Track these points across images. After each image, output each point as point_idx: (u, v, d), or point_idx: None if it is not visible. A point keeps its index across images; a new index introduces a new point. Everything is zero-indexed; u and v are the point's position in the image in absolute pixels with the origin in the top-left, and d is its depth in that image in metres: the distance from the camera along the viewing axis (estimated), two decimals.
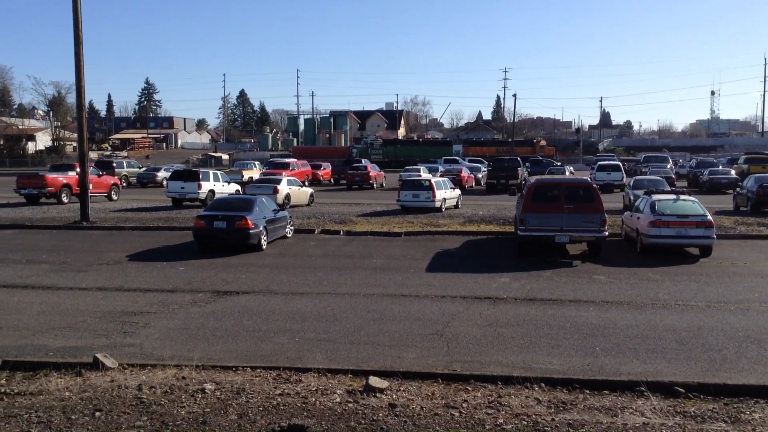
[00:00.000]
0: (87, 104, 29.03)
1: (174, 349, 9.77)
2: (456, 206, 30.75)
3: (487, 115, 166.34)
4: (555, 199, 17.80)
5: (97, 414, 6.53)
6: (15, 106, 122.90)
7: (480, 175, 49.46)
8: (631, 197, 26.21)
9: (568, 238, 17.55)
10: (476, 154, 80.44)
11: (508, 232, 22.26)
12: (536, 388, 7.99)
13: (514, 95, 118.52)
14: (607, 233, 17.89)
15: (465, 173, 45.08)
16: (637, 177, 33.22)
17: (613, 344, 10.05)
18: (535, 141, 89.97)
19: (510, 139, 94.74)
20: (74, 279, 15.22)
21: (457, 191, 31.97)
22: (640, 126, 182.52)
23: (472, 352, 9.66)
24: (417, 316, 11.76)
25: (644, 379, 8.18)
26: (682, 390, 7.92)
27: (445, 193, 29.68)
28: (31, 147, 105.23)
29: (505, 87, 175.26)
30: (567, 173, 47.29)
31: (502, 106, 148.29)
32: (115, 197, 35.57)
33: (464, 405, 7.10)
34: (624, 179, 41.21)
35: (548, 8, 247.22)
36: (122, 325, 11.15)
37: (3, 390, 7.37)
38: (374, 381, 7.74)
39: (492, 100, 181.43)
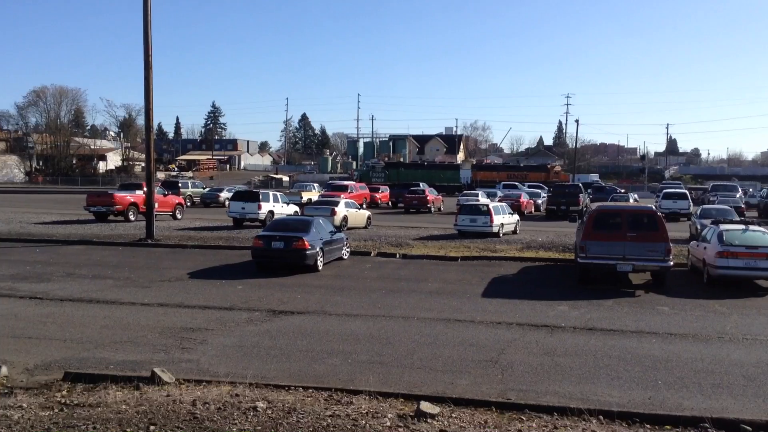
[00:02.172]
0: (156, 126, 30.04)
1: (229, 366, 9.88)
2: (514, 232, 30.35)
3: (549, 141, 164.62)
4: (618, 226, 17.36)
5: (152, 428, 6.64)
6: (88, 127, 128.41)
7: (540, 201, 48.74)
8: (698, 226, 25.36)
9: (630, 267, 17.05)
10: (486, 179, 76.79)
11: (567, 260, 21.80)
12: (594, 421, 7.72)
13: (577, 121, 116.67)
14: (672, 263, 17.30)
15: (524, 198, 44.55)
16: (705, 206, 32.18)
17: (676, 378, 9.65)
18: (549, 166, 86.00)
19: (523, 165, 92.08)
20: (137, 295, 15.64)
21: (516, 217, 31.58)
22: (709, 154, 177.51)
23: (527, 380, 9.44)
24: (471, 341, 11.59)
25: (708, 416, 7.80)
26: (749, 428, 7.53)
27: (503, 219, 29.34)
28: (102, 166, 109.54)
29: (567, 112, 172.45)
30: (631, 200, 46.08)
31: (564, 131, 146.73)
32: (179, 216, 36.53)
33: None
34: (691, 208, 39.94)
35: (613, 33, 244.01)
36: (181, 340, 11.37)
37: (63, 401, 7.58)
38: (425, 406, 7.63)
39: (554, 125, 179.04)
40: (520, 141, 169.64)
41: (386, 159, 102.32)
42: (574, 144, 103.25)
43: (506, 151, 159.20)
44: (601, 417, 7.84)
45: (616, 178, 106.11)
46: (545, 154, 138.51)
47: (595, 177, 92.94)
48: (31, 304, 14.37)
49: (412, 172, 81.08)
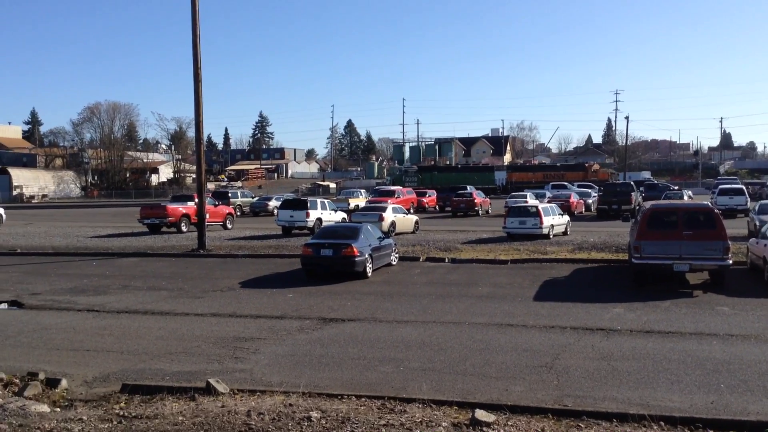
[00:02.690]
0: (205, 138, 30.62)
1: (282, 375, 9.93)
2: (564, 233, 29.85)
3: (597, 139, 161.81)
4: (673, 225, 16.87)
5: None
6: (140, 141, 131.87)
7: (590, 201, 47.87)
8: (757, 223, 24.46)
9: (687, 267, 16.54)
10: (521, 180, 75.47)
11: (621, 260, 21.30)
12: (655, 427, 7.49)
13: (627, 117, 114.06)
14: (731, 261, 16.70)
15: (574, 199, 43.82)
16: (763, 201, 30.98)
17: (739, 381, 9.29)
18: (587, 165, 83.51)
19: (560, 165, 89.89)
20: (190, 305, 15.90)
21: (566, 217, 31.05)
22: (765, 147, 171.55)
23: (584, 386, 9.21)
24: (525, 347, 11.39)
25: None
26: None
27: (553, 220, 28.89)
28: (154, 179, 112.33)
29: (616, 109, 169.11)
30: (685, 198, 44.93)
31: (614, 128, 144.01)
32: (229, 226, 37.11)
33: None
34: (748, 204, 38.58)
35: (662, 27, 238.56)
36: (234, 350, 11.49)
37: (122, 413, 7.72)
38: (480, 414, 7.51)
39: (602, 123, 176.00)
40: (569, 140, 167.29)
41: (432, 162, 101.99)
42: (625, 141, 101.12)
43: (554, 150, 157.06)
44: (662, 423, 7.60)
45: (668, 175, 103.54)
46: (594, 153, 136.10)
47: (646, 174, 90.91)
48: (89, 317, 14.75)
49: (446, 175, 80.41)
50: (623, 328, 12.62)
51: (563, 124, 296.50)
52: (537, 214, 28.05)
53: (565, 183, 61.94)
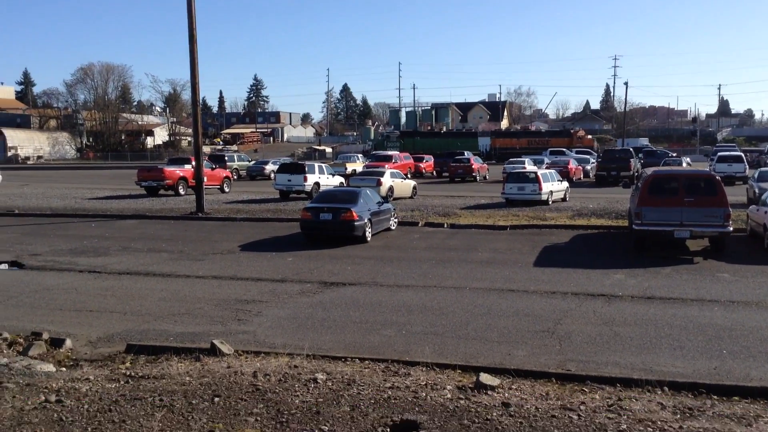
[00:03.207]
0: (201, 101, 30.27)
1: (285, 337, 9.96)
2: (563, 199, 29.84)
3: (595, 105, 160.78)
4: (674, 191, 16.85)
5: (216, 399, 6.72)
6: (135, 103, 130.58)
7: (589, 167, 47.78)
8: (756, 190, 24.50)
9: (688, 233, 16.57)
10: (505, 146, 74.77)
11: (621, 227, 21.33)
12: (659, 392, 7.52)
13: (626, 83, 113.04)
14: (731, 228, 16.74)
15: (572, 165, 43.71)
16: (762, 168, 30.96)
17: (741, 347, 9.36)
18: (572, 131, 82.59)
19: (545, 131, 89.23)
20: (191, 267, 15.90)
21: (565, 183, 31.01)
22: (763, 114, 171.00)
23: (586, 351, 9.27)
24: (526, 312, 11.44)
25: None
26: None
27: (552, 186, 28.83)
28: (149, 142, 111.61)
29: (615, 75, 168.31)
30: (684, 165, 44.89)
31: (612, 94, 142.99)
32: (227, 189, 36.99)
33: (582, 408, 6.78)
34: (747, 171, 38.58)
35: None
36: (236, 312, 11.51)
37: (128, 373, 7.74)
38: (485, 378, 7.55)
39: (600, 89, 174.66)
40: (566, 106, 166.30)
41: (429, 127, 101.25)
42: (623, 107, 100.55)
43: (552, 116, 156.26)
44: (666, 388, 7.64)
45: (666, 142, 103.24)
46: (592, 119, 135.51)
47: (644, 141, 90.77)
48: (90, 278, 14.74)
49: (429, 140, 78.90)
50: (624, 294, 12.67)
51: (561, 90, 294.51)
52: (536, 179, 27.98)
53: (563, 149, 61.70)
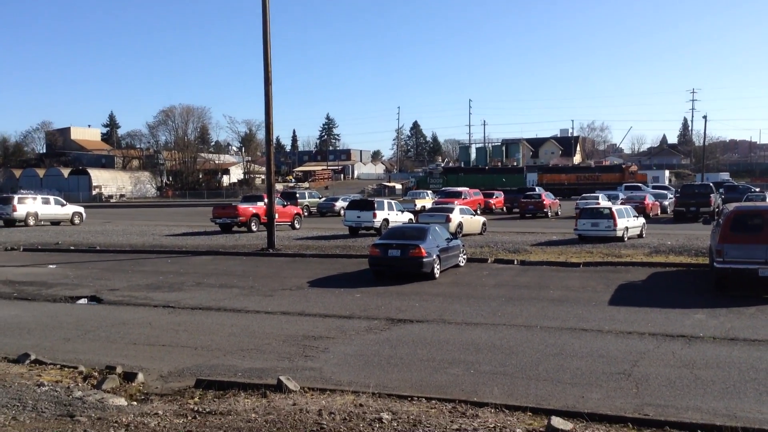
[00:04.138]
0: (274, 140, 31.04)
1: (351, 374, 9.88)
2: (640, 235, 28.85)
3: (672, 139, 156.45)
4: (758, 228, 16.01)
5: None
6: (212, 143, 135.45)
7: (666, 203, 46.23)
8: None
9: None
10: (552, 181, 71.10)
11: (701, 264, 20.40)
12: None
13: (704, 117, 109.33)
14: None
15: (649, 200, 42.36)
16: None
17: None
18: (624, 166, 78.43)
19: (592, 165, 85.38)
20: (261, 303, 16.11)
21: (641, 219, 30.00)
22: None
23: (665, 395, 8.78)
24: (600, 352, 10.99)
25: None
26: None
27: (628, 222, 27.95)
28: (225, 180, 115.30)
29: (693, 108, 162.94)
30: None
31: (690, 128, 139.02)
32: (297, 226, 37.59)
33: None
34: None
35: (739, 19, 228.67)
36: (303, 348, 11.53)
37: (196, 408, 7.81)
38: (557, 422, 7.23)
39: (678, 122, 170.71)
40: (642, 140, 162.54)
41: (499, 164, 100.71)
42: (702, 141, 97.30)
43: (627, 151, 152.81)
44: None
45: (748, 177, 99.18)
46: (670, 153, 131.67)
47: (725, 176, 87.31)
48: (164, 313, 15.13)
49: (473, 176, 76.99)
50: (706, 335, 12.03)
51: (636, 124, 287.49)
52: (611, 215, 27.21)
53: (639, 184, 59.98)
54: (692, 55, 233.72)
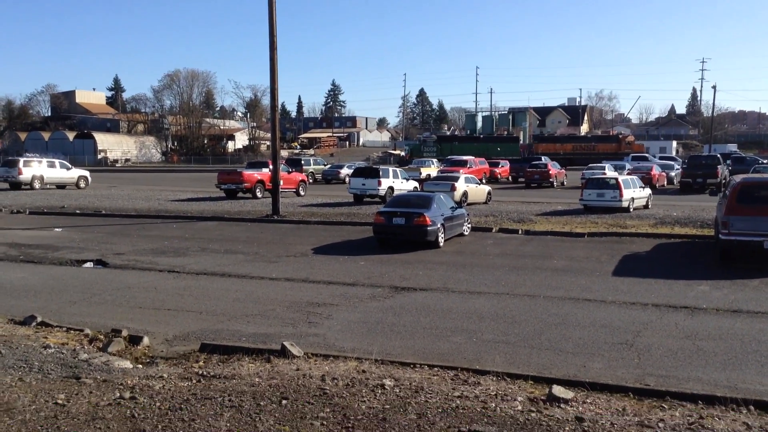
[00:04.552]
0: (279, 106, 30.86)
1: (354, 341, 9.95)
2: (646, 206, 28.78)
3: (681, 109, 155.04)
4: (764, 200, 15.92)
5: (284, 402, 6.75)
6: (217, 109, 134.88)
7: (673, 174, 46.02)
8: None
9: None
10: (548, 151, 70.19)
11: (706, 236, 20.36)
12: (744, 411, 7.05)
13: (713, 87, 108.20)
14: None
15: (655, 171, 42.21)
16: None
17: None
18: (620, 136, 77.88)
19: (591, 135, 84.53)
20: (266, 269, 16.17)
21: (647, 190, 29.89)
22: None
23: (666, 365, 8.82)
24: (603, 322, 11.02)
25: None
26: None
27: (634, 192, 27.85)
28: (230, 146, 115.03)
29: (702, 78, 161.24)
30: None
31: (699, 99, 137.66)
32: (302, 193, 37.59)
33: (660, 425, 6.43)
34: None
35: None
36: (307, 315, 11.60)
37: (201, 372, 7.88)
38: (558, 390, 7.28)
39: (687, 92, 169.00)
40: (650, 110, 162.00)
41: (506, 132, 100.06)
42: (711, 112, 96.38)
43: (635, 121, 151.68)
44: (752, 407, 7.16)
45: (756, 148, 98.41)
46: (678, 124, 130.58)
47: (733, 147, 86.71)
48: (169, 278, 15.21)
49: (467, 145, 75.95)
50: (709, 307, 12.04)
51: (645, 94, 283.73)
52: (617, 186, 27.10)
53: (647, 155, 59.63)
54: (702, 25, 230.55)
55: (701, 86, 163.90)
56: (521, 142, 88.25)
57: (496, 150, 68.63)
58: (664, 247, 19.32)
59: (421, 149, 77.69)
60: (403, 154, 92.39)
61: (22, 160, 43.12)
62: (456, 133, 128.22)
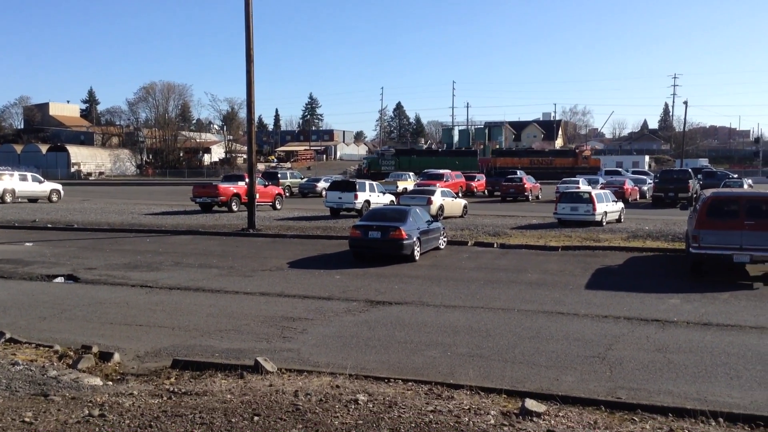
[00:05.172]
0: (256, 119, 30.78)
1: (329, 356, 9.91)
2: (618, 220, 29.12)
3: (654, 124, 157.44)
4: (734, 214, 16.22)
5: (256, 419, 6.69)
6: (194, 121, 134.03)
7: (645, 188, 46.67)
8: None
9: (748, 258, 15.90)
10: (506, 165, 70.87)
11: (678, 250, 20.67)
12: (713, 424, 7.16)
13: (685, 102, 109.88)
14: None
15: (628, 185, 42.80)
16: None
17: None
18: (577, 150, 79.19)
19: (548, 150, 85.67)
20: (240, 283, 16.06)
21: (620, 204, 30.27)
22: None
23: (638, 378, 8.92)
24: (576, 336, 11.12)
25: None
26: None
27: (607, 206, 28.18)
28: (207, 159, 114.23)
29: (674, 94, 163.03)
30: (745, 186, 43.39)
31: (671, 114, 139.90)
32: (278, 206, 37.45)
33: None
34: None
35: (721, 8, 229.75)
36: (282, 329, 11.53)
37: (172, 389, 7.79)
38: (531, 404, 7.31)
39: (659, 108, 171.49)
40: (623, 125, 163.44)
41: (482, 146, 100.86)
42: (682, 127, 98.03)
43: (608, 135, 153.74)
44: (721, 419, 7.26)
45: (727, 163, 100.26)
46: (650, 138, 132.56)
47: (704, 162, 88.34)
48: (142, 293, 15.04)
49: (426, 159, 76.13)
50: (680, 320, 12.20)
51: (618, 109, 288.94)
52: (590, 200, 27.41)
53: (620, 169, 60.43)
54: (674, 41, 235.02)
55: (673, 101, 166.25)
56: (480, 156, 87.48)
57: (454, 163, 68.31)
58: (636, 260, 19.56)
59: (379, 162, 77.54)
60: (362, 167, 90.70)
61: None
62: (433, 146, 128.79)
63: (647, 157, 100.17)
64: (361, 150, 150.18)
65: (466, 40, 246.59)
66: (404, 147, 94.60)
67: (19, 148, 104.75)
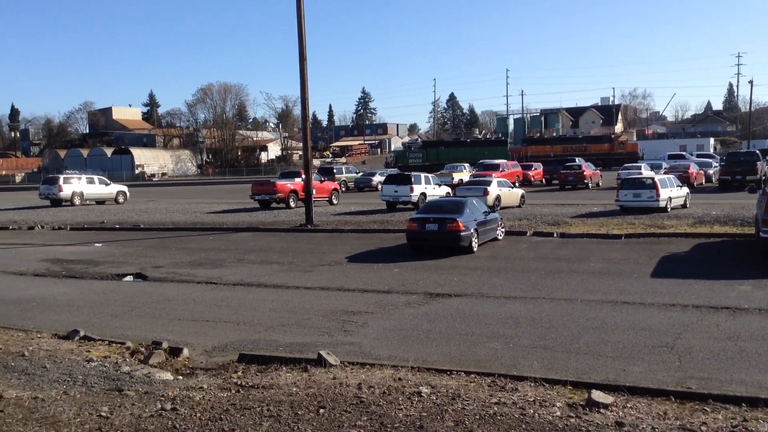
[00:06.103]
0: (310, 115, 31.10)
1: (390, 349, 9.97)
2: (683, 206, 28.25)
3: (717, 105, 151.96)
4: None
5: (321, 411, 6.80)
6: (250, 120, 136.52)
7: (711, 172, 45.14)
8: None
9: None
10: (537, 153, 68.53)
11: (747, 235, 19.92)
12: None
13: (750, 81, 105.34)
14: None
15: (693, 169, 41.44)
16: None
17: None
18: (613, 136, 75.60)
19: (582, 136, 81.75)
20: (300, 279, 16.30)
21: (685, 189, 29.33)
22: None
23: (708, 368, 8.66)
24: (643, 325, 10.86)
25: None
26: None
27: (671, 192, 27.37)
28: (263, 156, 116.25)
29: (738, 73, 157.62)
30: None
31: (736, 94, 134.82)
32: (335, 201, 37.78)
33: (703, 428, 6.33)
34: None
35: None
36: (343, 323, 11.66)
37: (239, 382, 7.99)
38: (597, 395, 7.20)
39: (723, 88, 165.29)
40: (686, 107, 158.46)
41: (538, 135, 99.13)
42: (748, 107, 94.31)
43: (670, 118, 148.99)
44: None
45: None
46: (715, 120, 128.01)
47: None
48: (207, 289, 15.44)
49: (453, 150, 74.20)
50: (751, 307, 11.78)
51: (680, 90, 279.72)
52: (653, 185, 26.67)
53: (683, 153, 58.57)
54: (737, 19, 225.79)
55: (738, 81, 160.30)
56: (511, 145, 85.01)
57: (484, 154, 66.65)
58: (704, 246, 18.96)
59: (407, 155, 76.66)
60: (389, 160, 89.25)
61: (62, 177, 44.13)
62: (488, 136, 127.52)
63: (712, 140, 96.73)
64: None
65: (519, 27, 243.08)
66: (449, 138, 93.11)
67: (85, 152, 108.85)
